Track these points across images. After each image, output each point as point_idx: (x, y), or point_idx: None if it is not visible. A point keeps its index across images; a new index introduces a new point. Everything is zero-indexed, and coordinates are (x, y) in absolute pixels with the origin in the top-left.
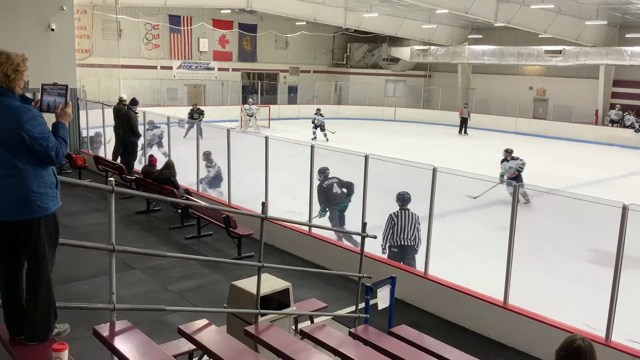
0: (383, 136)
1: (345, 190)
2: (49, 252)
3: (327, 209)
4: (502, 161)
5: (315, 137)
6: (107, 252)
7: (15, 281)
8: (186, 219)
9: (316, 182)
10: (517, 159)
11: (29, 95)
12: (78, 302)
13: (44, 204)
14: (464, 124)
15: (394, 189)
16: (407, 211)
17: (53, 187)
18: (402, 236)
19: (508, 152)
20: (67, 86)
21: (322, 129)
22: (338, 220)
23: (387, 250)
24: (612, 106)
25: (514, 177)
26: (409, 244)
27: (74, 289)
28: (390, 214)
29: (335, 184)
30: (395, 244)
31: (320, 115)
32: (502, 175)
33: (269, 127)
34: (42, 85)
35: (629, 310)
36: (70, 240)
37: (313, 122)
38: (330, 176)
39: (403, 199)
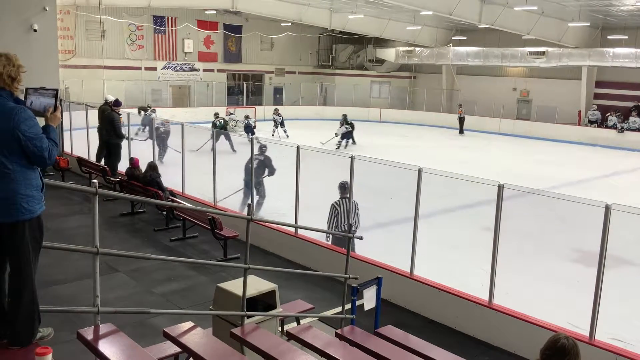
0: (369, 137)
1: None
2: (33, 255)
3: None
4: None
5: (273, 135)
6: (91, 254)
7: None
8: (171, 221)
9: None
10: (344, 125)
11: None
12: (62, 306)
13: (30, 206)
14: (461, 124)
15: (380, 189)
16: (347, 199)
17: (39, 190)
18: (346, 223)
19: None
20: (57, 90)
21: (282, 125)
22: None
23: (331, 237)
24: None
25: (344, 135)
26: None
27: (58, 292)
28: (333, 203)
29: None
30: (341, 231)
31: (278, 115)
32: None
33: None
34: (27, 88)
35: (613, 309)
36: (53, 243)
37: (274, 122)
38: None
39: (344, 187)
